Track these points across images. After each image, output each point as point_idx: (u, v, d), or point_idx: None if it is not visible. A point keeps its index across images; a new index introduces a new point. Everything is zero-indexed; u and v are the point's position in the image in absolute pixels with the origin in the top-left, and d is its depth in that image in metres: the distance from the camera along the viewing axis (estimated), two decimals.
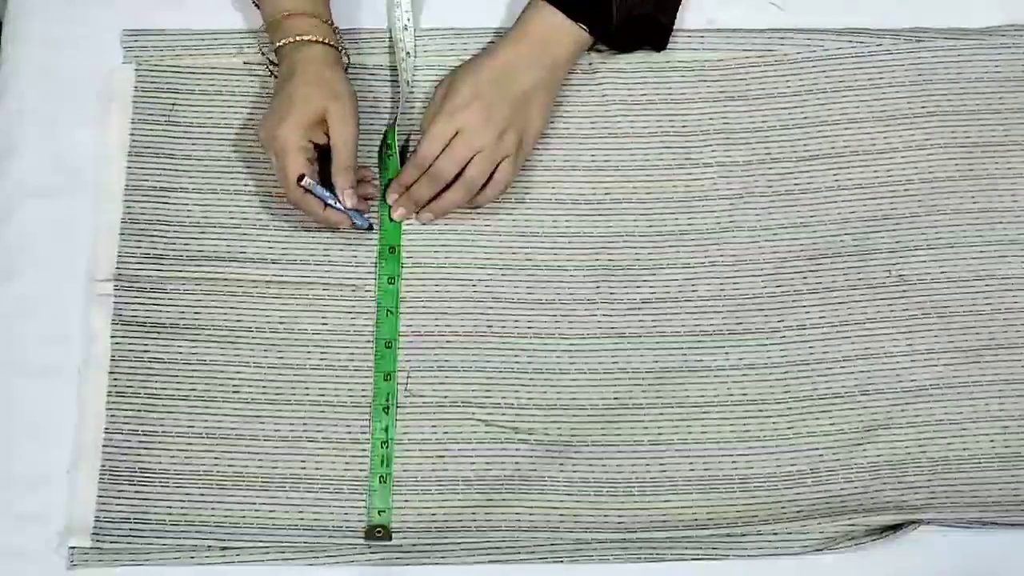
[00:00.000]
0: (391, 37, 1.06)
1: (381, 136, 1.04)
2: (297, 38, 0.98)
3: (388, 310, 0.99)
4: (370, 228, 0.99)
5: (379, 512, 0.95)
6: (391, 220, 1.01)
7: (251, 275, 1.00)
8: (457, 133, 0.99)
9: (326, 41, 0.98)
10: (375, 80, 1.05)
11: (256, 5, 1.01)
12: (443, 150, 0.99)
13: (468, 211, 1.02)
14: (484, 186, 1.00)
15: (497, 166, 1.00)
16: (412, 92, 1.05)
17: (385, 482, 0.96)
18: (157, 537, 0.94)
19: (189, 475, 0.96)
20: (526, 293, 1.01)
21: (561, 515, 0.96)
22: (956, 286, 1.02)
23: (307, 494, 0.96)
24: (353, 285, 1.00)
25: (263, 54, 1.03)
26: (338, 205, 0.97)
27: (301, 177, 0.95)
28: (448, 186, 1.00)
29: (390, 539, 0.94)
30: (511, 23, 1.04)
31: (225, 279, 1.00)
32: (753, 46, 1.07)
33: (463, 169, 0.99)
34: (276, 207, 1.02)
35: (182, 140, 1.03)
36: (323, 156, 0.98)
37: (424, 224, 1.01)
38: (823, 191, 1.04)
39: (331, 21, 1.00)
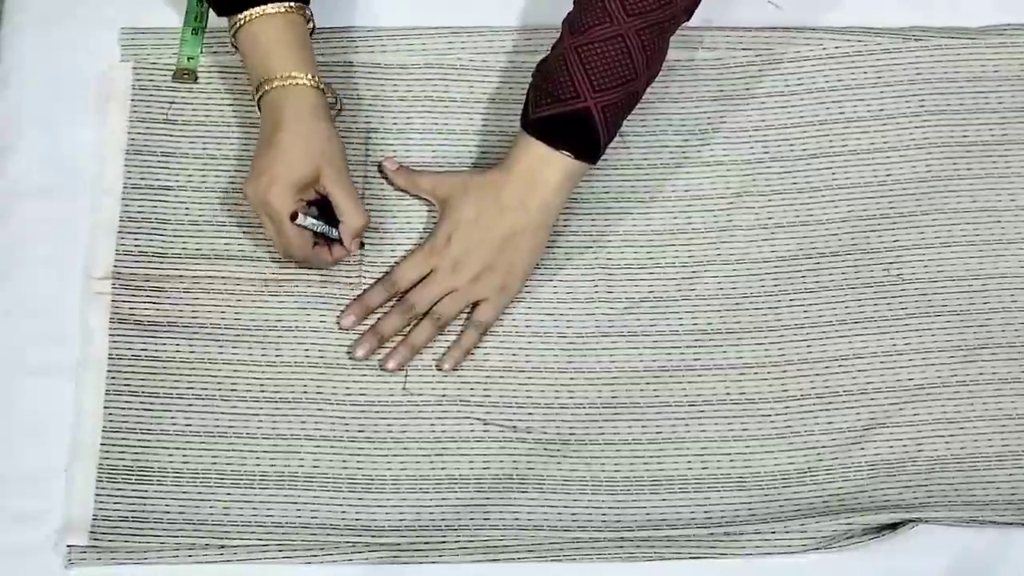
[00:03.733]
0: None
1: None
2: (283, 77, 0.94)
3: None
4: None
5: (188, 59, 1.00)
6: (350, 358, 0.98)
7: (248, 273, 1.00)
8: (432, 271, 0.98)
9: (314, 82, 0.95)
10: (374, 79, 1.05)
11: (235, 47, 0.98)
12: (419, 283, 0.98)
13: None
14: (461, 334, 0.99)
15: (477, 306, 0.98)
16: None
17: (197, 34, 1.03)
18: (155, 535, 0.94)
19: (187, 473, 0.96)
20: (525, 292, 1.01)
21: (560, 514, 0.96)
22: (954, 285, 1.02)
23: (304, 492, 0.96)
24: (352, 283, 1.00)
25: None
26: (335, 234, 0.96)
27: (294, 215, 0.93)
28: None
29: (196, 81, 1.01)
30: (509, 21, 1.04)
31: (223, 277, 1.00)
32: (752, 45, 1.07)
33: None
34: None
35: (180, 138, 1.03)
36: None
37: (391, 371, 0.98)
38: (821, 190, 1.04)
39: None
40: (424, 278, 0.98)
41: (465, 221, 0.97)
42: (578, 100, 0.93)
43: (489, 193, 0.97)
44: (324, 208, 0.97)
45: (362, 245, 0.99)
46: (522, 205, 0.96)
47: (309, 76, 0.95)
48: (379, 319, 0.99)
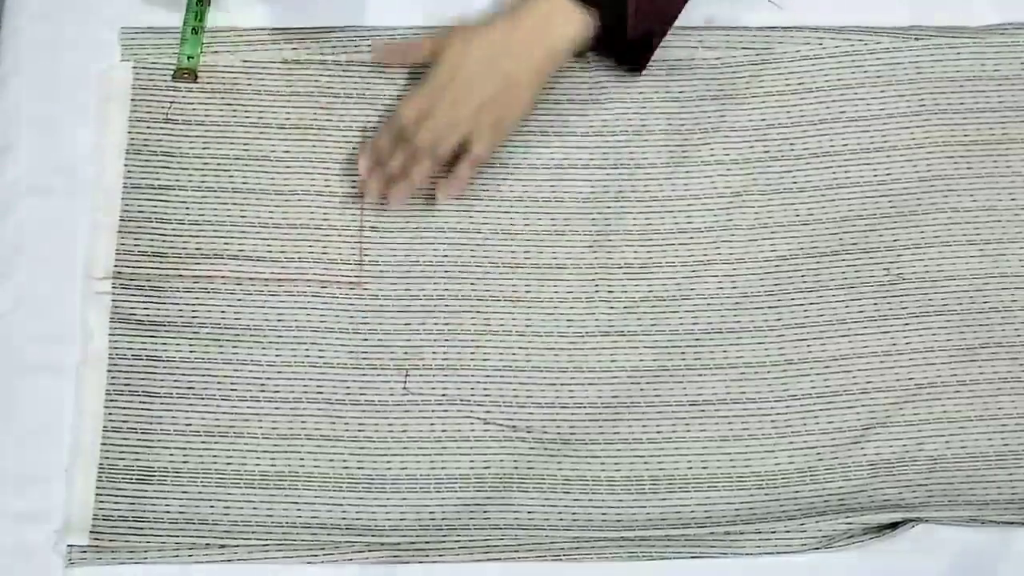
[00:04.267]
0: None
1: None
2: None
3: None
4: None
5: (188, 58, 1.00)
6: (362, 198, 1.01)
7: (249, 273, 1.00)
8: (435, 104, 0.98)
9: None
10: (374, 78, 1.05)
11: None
12: (420, 119, 0.98)
13: (467, 209, 1.02)
14: (457, 165, 0.99)
15: (470, 142, 0.99)
16: None
17: (197, 34, 1.01)
18: (155, 535, 0.94)
19: (187, 473, 0.96)
20: (524, 291, 1.01)
21: (560, 513, 0.96)
22: (955, 284, 1.02)
23: (305, 492, 0.96)
24: (352, 283, 1.00)
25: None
26: None
27: None
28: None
29: (196, 80, 0.99)
30: None
31: (223, 277, 1.00)
32: (752, 44, 1.07)
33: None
34: (274, 204, 1.01)
35: (180, 138, 1.03)
36: None
37: (396, 207, 1.01)
38: (821, 189, 1.04)
39: None
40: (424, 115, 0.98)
41: (470, 60, 0.97)
42: None
43: (497, 37, 0.98)
44: None
45: None
46: (532, 47, 0.98)
47: None
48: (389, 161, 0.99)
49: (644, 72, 1.05)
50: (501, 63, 0.98)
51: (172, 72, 1.03)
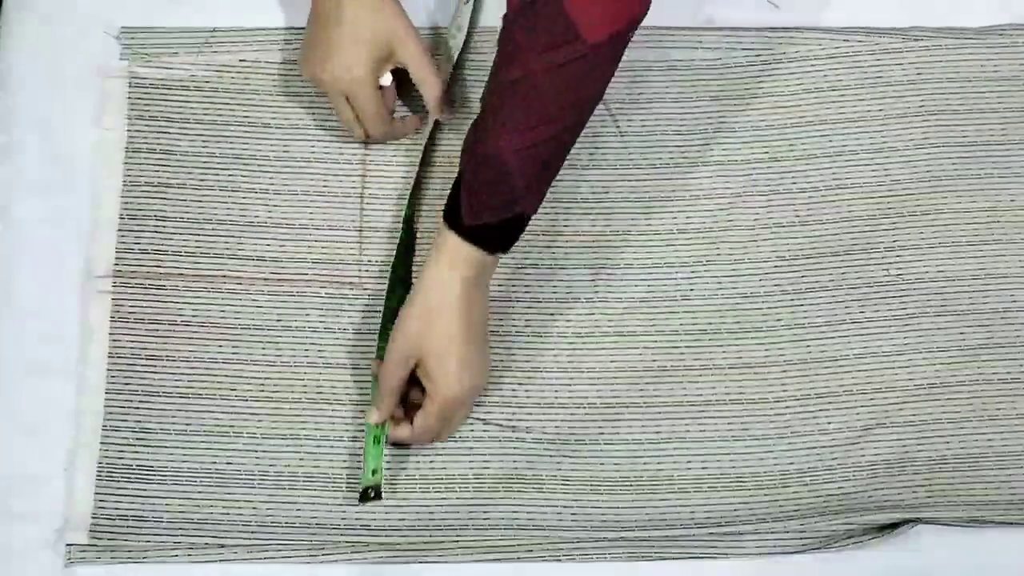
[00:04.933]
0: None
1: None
2: None
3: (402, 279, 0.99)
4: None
5: (372, 472, 0.94)
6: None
7: (249, 272, 1.00)
8: (448, 422, 0.95)
9: None
10: None
11: None
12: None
13: None
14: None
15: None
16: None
17: (379, 443, 0.95)
18: (155, 534, 0.94)
19: (187, 472, 0.96)
20: (524, 292, 1.01)
21: (559, 513, 0.96)
22: (954, 285, 1.02)
23: (305, 492, 0.96)
24: (352, 283, 1.00)
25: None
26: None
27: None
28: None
29: (381, 498, 0.94)
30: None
31: (223, 276, 1.00)
32: (751, 45, 1.07)
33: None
34: (274, 204, 1.01)
35: (179, 136, 1.03)
36: None
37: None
38: (821, 190, 1.04)
39: None
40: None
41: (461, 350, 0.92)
42: (517, 205, 0.90)
43: (414, 331, 0.92)
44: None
45: (452, 103, 1.01)
46: (452, 319, 0.91)
47: None
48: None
49: (644, 72, 1.05)
50: (476, 328, 0.92)
51: (359, 494, 0.94)
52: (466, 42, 1.04)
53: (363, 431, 0.96)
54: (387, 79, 0.98)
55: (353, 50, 0.95)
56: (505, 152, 0.88)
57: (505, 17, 0.90)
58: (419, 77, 0.98)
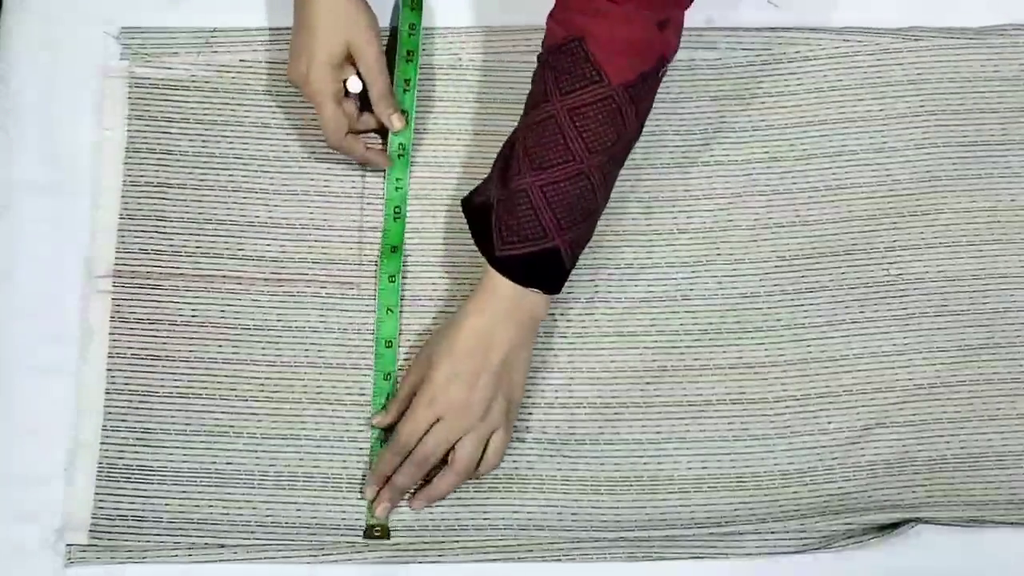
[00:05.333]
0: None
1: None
2: None
3: (388, 308, 0.99)
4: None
5: (374, 517, 0.95)
6: (370, 504, 0.95)
7: (249, 272, 1.00)
8: (439, 419, 0.93)
9: None
10: None
11: None
12: (426, 433, 0.93)
13: None
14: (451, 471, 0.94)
15: (489, 440, 0.94)
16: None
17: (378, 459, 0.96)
18: (155, 534, 0.94)
19: (187, 472, 0.96)
20: None
21: (559, 513, 0.96)
22: (954, 285, 1.02)
23: (305, 492, 0.96)
24: (352, 283, 1.00)
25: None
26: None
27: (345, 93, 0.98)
28: (436, 469, 0.95)
29: (388, 538, 0.94)
30: (509, 21, 1.04)
31: (223, 276, 1.00)
32: (751, 45, 1.07)
33: (452, 447, 0.94)
34: (274, 204, 1.01)
35: (179, 136, 1.03)
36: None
37: (416, 511, 0.96)
38: (821, 190, 1.04)
39: None
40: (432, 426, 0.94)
41: (461, 354, 0.93)
42: (546, 240, 0.91)
43: (480, 318, 0.93)
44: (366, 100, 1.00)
45: (404, 114, 1.01)
46: (513, 320, 0.93)
47: None
48: (394, 475, 0.95)
49: None
50: (490, 353, 0.92)
51: (364, 530, 0.95)
52: (398, 41, 1.04)
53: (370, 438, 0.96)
54: (356, 85, 0.98)
55: (311, 52, 0.96)
56: (532, 188, 0.90)
57: (539, 56, 0.93)
58: (365, 74, 0.99)
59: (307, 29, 0.96)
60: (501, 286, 0.93)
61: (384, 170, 1.02)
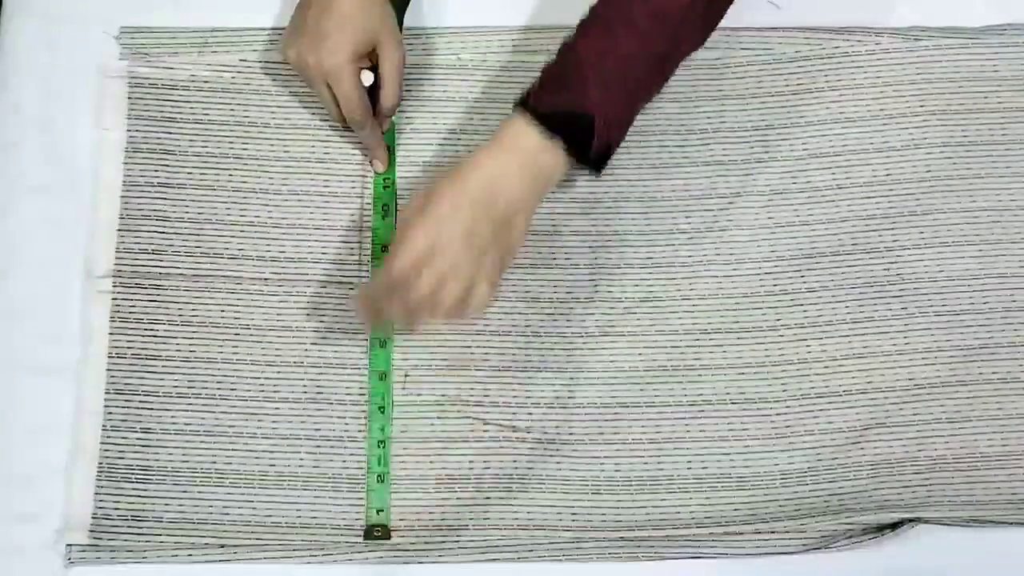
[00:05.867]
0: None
1: None
2: None
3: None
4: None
5: (377, 511, 0.95)
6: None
7: (249, 272, 1.00)
8: (435, 248, 0.88)
9: None
10: None
11: None
12: (419, 265, 0.88)
13: None
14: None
15: (472, 289, 0.90)
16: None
17: (383, 482, 0.96)
18: (155, 534, 0.94)
19: (187, 472, 0.96)
20: (524, 292, 1.01)
21: (559, 513, 0.96)
22: (954, 284, 1.02)
23: (305, 492, 0.96)
24: (352, 283, 1.00)
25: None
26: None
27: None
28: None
29: (389, 538, 0.94)
30: (509, 21, 1.04)
31: (223, 276, 1.00)
32: (751, 44, 1.07)
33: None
34: (274, 204, 1.01)
35: (179, 136, 1.03)
36: None
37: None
38: (821, 190, 1.04)
39: None
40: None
41: (468, 194, 0.89)
42: (584, 96, 0.90)
43: (493, 164, 0.90)
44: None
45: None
46: (526, 174, 0.90)
47: None
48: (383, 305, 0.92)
49: None
50: (496, 202, 0.89)
51: (364, 531, 0.95)
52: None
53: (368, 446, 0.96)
54: (368, 78, 0.98)
55: (339, 38, 0.95)
56: (585, 48, 0.90)
57: None
58: (384, 79, 0.98)
59: (336, 12, 0.95)
60: (523, 135, 0.90)
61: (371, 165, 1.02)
